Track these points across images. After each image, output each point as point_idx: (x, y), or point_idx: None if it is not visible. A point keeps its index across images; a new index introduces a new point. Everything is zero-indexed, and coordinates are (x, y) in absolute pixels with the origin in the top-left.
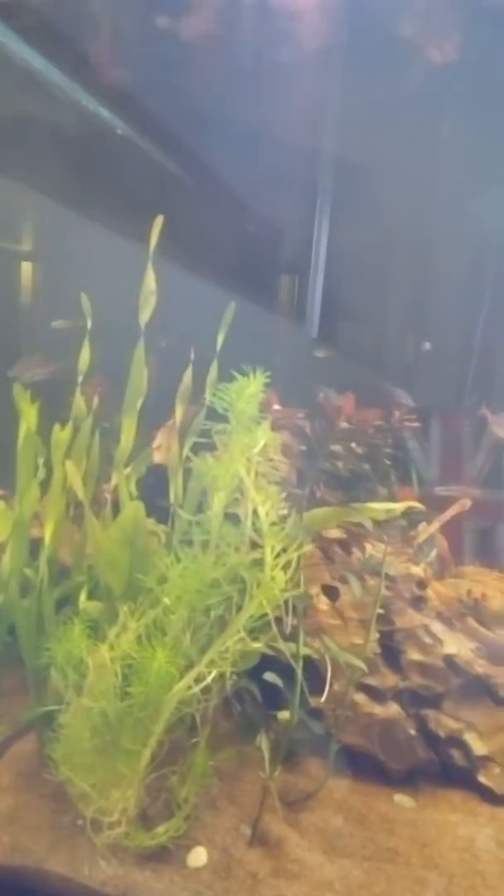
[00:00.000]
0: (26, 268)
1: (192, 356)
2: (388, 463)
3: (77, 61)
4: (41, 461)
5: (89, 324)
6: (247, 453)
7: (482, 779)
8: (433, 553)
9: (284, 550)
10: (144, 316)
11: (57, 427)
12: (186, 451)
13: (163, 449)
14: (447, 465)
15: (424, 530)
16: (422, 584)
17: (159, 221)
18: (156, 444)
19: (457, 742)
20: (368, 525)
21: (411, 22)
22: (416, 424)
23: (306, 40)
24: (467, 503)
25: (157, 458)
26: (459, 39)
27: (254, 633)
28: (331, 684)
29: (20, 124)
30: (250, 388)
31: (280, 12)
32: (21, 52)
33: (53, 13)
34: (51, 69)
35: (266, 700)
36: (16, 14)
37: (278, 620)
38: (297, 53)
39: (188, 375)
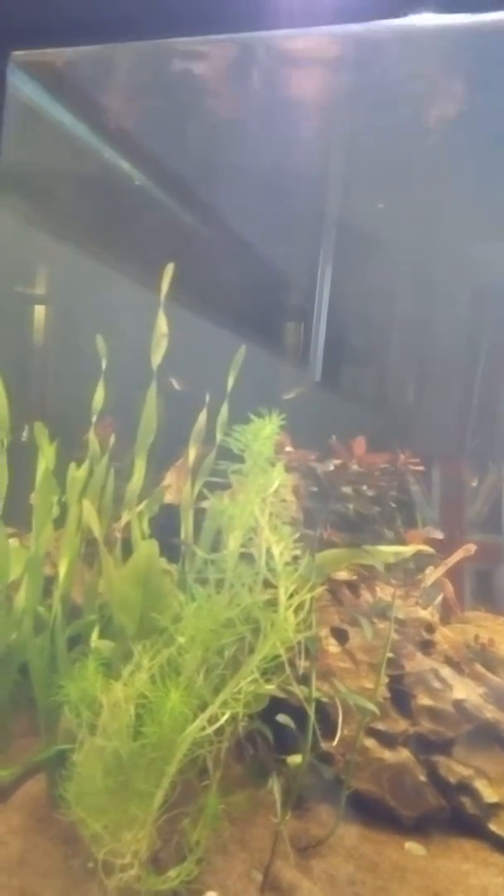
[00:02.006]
0: (39, 311)
1: (207, 398)
2: (394, 506)
3: (99, 115)
4: (55, 499)
5: (104, 364)
6: (262, 494)
7: (493, 827)
8: (439, 597)
9: (297, 591)
10: (156, 358)
11: (73, 466)
12: (197, 491)
13: (173, 489)
14: (447, 509)
15: (431, 574)
16: (430, 628)
17: (170, 269)
18: (165, 483)
19: (467, 789)
20: (380, 567)
21: (415, 77)
22: (420, 468)
23: (312, 95)
24: (472, 548)
25: (167, 497)
26: (462, 95)
27: (266, 674)
28: (341, 728)
29: (46, 175)
30: (266, 430)
31: (287, 69)
32: (46, 106)
33: (78, 71)
34: (76, 123)
35: (275, 743)
36: (43, 71)
37: (290, 662)
38: (303, 108)
39: (203, 416)
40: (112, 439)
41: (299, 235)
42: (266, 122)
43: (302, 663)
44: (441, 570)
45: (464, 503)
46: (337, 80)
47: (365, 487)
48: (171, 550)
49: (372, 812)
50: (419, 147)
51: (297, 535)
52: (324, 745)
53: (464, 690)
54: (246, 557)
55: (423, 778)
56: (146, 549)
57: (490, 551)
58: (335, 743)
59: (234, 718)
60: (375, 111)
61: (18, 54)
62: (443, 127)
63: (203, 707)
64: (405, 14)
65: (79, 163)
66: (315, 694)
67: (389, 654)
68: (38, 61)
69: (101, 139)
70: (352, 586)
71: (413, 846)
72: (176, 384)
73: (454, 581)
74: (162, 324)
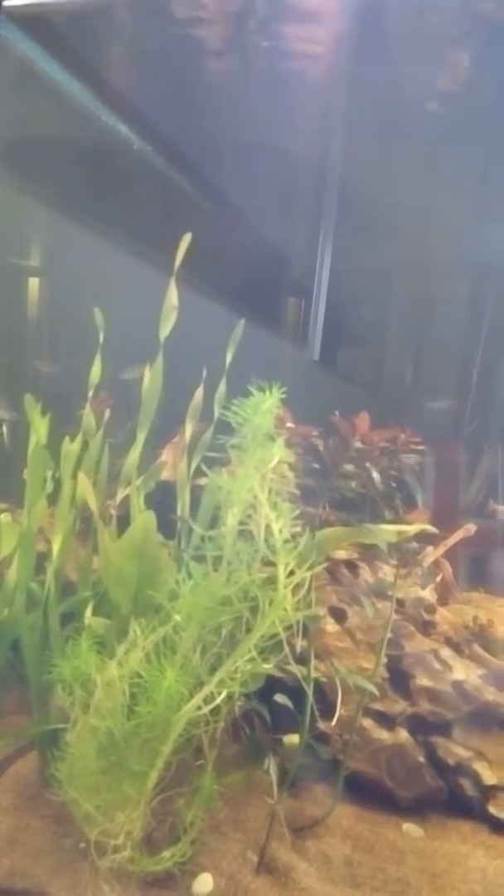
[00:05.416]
0: (34, 283)
1: (204, 374)
2: (394, 485)
3: (95, 72)
4: (49, 474)
5: (101, 338)
6: (262, 469)
7: (492, 809)
8: (438, 578)
9: (297, 569)
10: (165, 331)
11: (67, 440)
12: (194, 467)
13: (168, 466)
14: (441, 492)
15: (430, 554)
16: (431, 608)
17: (186, 239)
18: (160, 460)
19: (466, 771)
20: (384, 546)
21: (419, 48)
22: (421, 447)
23: (316, 67)
24: (472, 528)
25: (163, 474)
26: (468, 67)
27: (263, 653)
28: (339, 709)
29: (42, 139)
30: (266, 404)
31: (291, 39)
32: (44, 66)
33: (77, 28)
34: (70, 81)
35: (271, 723)
36: (39, 27)
37: (288, 641)
38: (307, 81)
39: (199, 392)
40: (108, 413)
41: (300, 206)
42: (265, 86)
43: (300, 642)
44: (440, 550)
45: (458, 486)
46: (339, 39)
47: (368, 465)
48: (166, 527)
49: (369, 793)
50: (422, 119)
51: (297, 512)
52: (321, 725)
53: (463, 672)
54: (244, 534)
55: (421, 759)
56: (143, 521)
57: (484, 536)
58: (334, 722)
59: (230, 698)
60: (378, 78)
61: (9, 5)
62: (447, 96)
63: (199, 686)
64: None
65: (73, 124)
66: (313, 674)
67: (389, 635)
68: (30, 13)
69: (97, 98)
70: (350, 565)
71: (411, 827)
72: None
73: (450, 563)
74: (172, 296)
